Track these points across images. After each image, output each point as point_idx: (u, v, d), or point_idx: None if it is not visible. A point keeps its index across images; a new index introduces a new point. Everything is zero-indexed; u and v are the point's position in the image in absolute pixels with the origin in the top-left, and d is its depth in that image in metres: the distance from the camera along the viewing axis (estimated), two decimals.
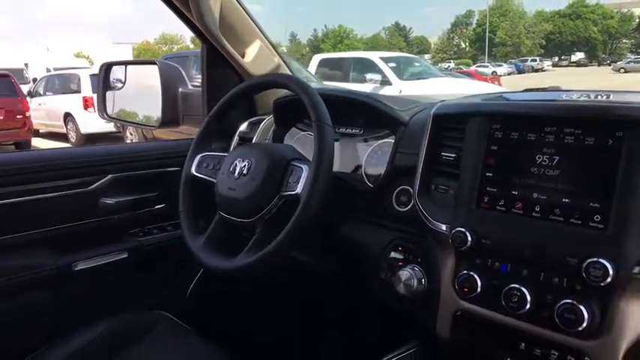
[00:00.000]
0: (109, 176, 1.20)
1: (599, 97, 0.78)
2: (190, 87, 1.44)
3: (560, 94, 0.83)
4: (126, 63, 1.52)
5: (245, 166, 0.94)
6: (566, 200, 0.69)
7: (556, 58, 56.73)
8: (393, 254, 0.92)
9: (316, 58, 10.01)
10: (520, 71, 40.74)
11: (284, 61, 1.41)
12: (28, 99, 9.00)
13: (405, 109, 1.04)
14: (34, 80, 11.90)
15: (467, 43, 66.24)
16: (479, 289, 0.74)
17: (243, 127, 1.35)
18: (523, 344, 0.72)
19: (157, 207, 1.28)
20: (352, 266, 1.01)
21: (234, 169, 0.95)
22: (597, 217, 0.66)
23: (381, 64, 8.82)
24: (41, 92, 9.99)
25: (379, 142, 1.08)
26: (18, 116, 8.00)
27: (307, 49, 60.68)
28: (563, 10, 59.48)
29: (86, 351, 0.99)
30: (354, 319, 1.08)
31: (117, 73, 1.54)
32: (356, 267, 0.99)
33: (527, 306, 0.69)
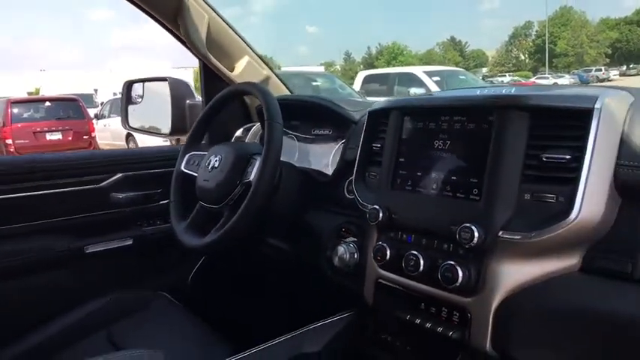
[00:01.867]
0: (120, 174, 1.40)
1: (504, 90, 0.89)
2: (197, 99, 1.64)
3: (475, 90, 0.94)
4: (143, 80, 1.74)
5: (217, 160, 1.12)
6: (454, 178, 0.81)
7: (624, 67, 53.83)
8: (339, 235, 1.06)
9: (361, 75, 10.20)
10: (584, 82, 39.00)
11: (275, 74, 1.57)
12: (94, 121, 9.79)
13: (359, 109, 1.17)
14: (102, 104, 12.87)
15: (526, 55, 64.31)
16: (388, 257, 0.86)
17: (238, 132, 1.53)
18: (423, 304, 0.84)
19: (161, 202, 1.47)
20: (311, 248, 1.14)
21: (209, 164, 1.13)
22: (475, 191, 0.77)
23: (425, 78, 8.86)
24: (106, 115, 10.80)
25: (345, 140, 1.22)
26: (84, 137, 8.74)
27: (361, 67, 61.12)
28: (630, 16, 56.55)
29: (87, 320, 1.19)
30: (311, 292, 1.21)
31: (137, 89, 1.77)
32: (313, 248, 1.12)
33: (421, 268, 0.80)
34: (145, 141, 9.18)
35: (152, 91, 1.74)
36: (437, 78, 9.05)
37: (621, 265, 0.68)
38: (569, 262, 0.72)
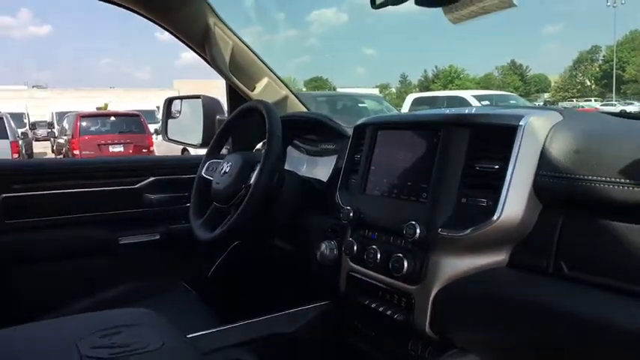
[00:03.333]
0: (152, 178, 1.62)
1: (467, 110, 1.02)
2: (226, 115, 1.84)
3: (445, 110, 1.07)
4: (181, 98, 1.96)
5: (228, 166, 1.29)
6: (410, 183, 0.94)
7: None
8: (325, 235, 1.20)
9: (410, 98, 10.36)
10: None
11: (293, 94, 1.75)
12: (154, 136, 10.41)
13: (352, 125, 1.32)
14: None
15: (592, 81, 61.72)
16: (355, 252, 1.00)
17: (259, 145, 1.71)
18: (380, 292, 0.96)
19: (187, 204, 1.67)
20: (303, 246, 1.29)
21: (222, 170, 1.31)
22: (424, 195, 0.90)
23: (474, 102, 8.88)
24: None
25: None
26: (144, 150, 9.33)
27: (417, 89, 60.93)
28: None
29: (115, 300, 1.39)
30: (302, 284, 1.35)
31: (176, 105, 2.00)
32: (304, 246, 1.27)
33: (378, 260, 0.93)
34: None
35: (188, 106, 1.96)
36: (486, 102, 9.05)
37: (539, 261, 0.78)
38: (498, 257, 0.83)
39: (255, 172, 1.20)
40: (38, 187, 1.46)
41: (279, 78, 1.69)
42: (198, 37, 1.48)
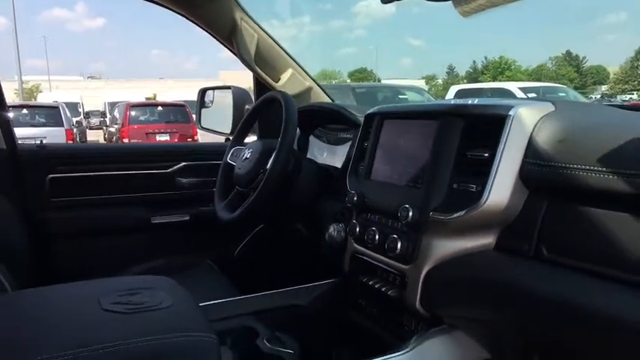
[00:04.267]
0: (183, 163, 1.74)
1: (470, 101, 1.06)
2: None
3: (450, 101, 1.11)
4: (214, 88, 2.07)
5: (249, 152, 1.38)
6: (408, 170, 0.99)
7: None
8: (335, 218, 1.27)
9: (453, 89, 10.20)
10: None
11: (318, 85, 1.81)
12: None
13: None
14: None
15: None
16: (357, 233, 1.06)
17: None
18: (379, 270, 1.03)
19: (215, 188, 1.78)
20: (316, 229, 1.36)
21: (243, 156, 1.40)
22: (420, 181, 0.95)
23: (520, 95, 8.64)
24: None
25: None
26: (188, 139, 9.64)
27: (464, 81, 59.40)
28: None
29: (139, 274, 1.51)
30: (315, 263, 1.42)
31: (209, 95, 2.12)
32: (317, 229, 1.34)
33: (376, 241, 1.00)
34: None
35: (220, 97, 2.07)
36: (533, 94, 8.78)
37: (521, 245, 0.82)
38: (485, 240, 0.88)
39: (272, 158, 1.28)
40: (81, 169, 1.61)
41: (303, 69, 1.76)
42: (226, 32, 1.57)
